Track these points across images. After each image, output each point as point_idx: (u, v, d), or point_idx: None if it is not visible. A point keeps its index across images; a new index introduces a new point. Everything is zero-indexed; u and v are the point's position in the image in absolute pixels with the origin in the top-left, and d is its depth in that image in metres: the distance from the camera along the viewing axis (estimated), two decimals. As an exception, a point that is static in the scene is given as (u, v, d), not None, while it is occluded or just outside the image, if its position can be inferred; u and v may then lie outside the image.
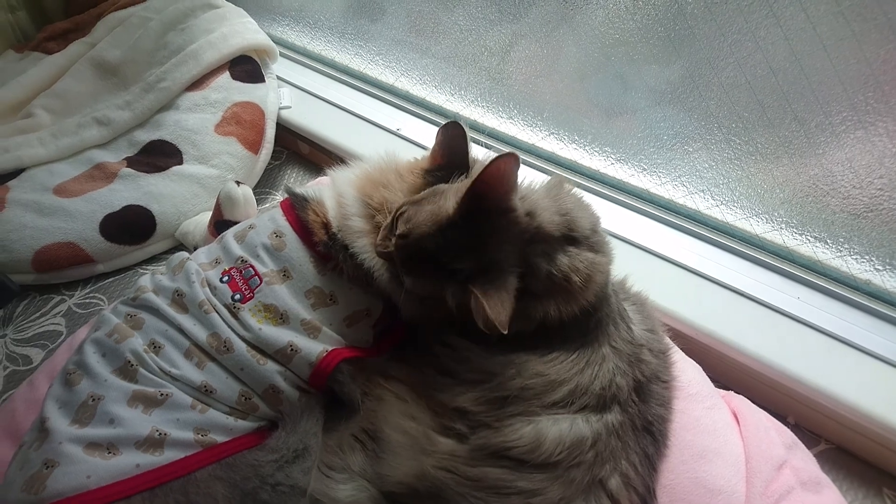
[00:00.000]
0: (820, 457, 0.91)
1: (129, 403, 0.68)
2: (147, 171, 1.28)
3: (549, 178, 0.81)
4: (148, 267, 1.23)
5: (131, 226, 1.21)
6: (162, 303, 0.76)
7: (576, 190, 0.79)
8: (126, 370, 0.70)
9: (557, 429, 0.68)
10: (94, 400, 0.67)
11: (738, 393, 0.92)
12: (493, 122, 1.36)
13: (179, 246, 1.26)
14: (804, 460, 0.80)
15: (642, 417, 0.73)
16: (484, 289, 0.66)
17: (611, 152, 1.20)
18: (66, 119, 1.40)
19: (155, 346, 0.73)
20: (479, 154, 0.83)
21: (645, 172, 1.16)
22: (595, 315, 0.75)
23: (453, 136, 0.80)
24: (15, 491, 0.62)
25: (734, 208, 1.08)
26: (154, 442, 0.66)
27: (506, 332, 0.64)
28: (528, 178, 0.78)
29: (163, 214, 1.23)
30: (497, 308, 0.65)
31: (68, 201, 1.22)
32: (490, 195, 0.69)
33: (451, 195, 0.73)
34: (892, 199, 0.92)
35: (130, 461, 0.64)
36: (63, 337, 1.10)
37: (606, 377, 0.72)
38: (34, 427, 0.69)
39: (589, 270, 0.72)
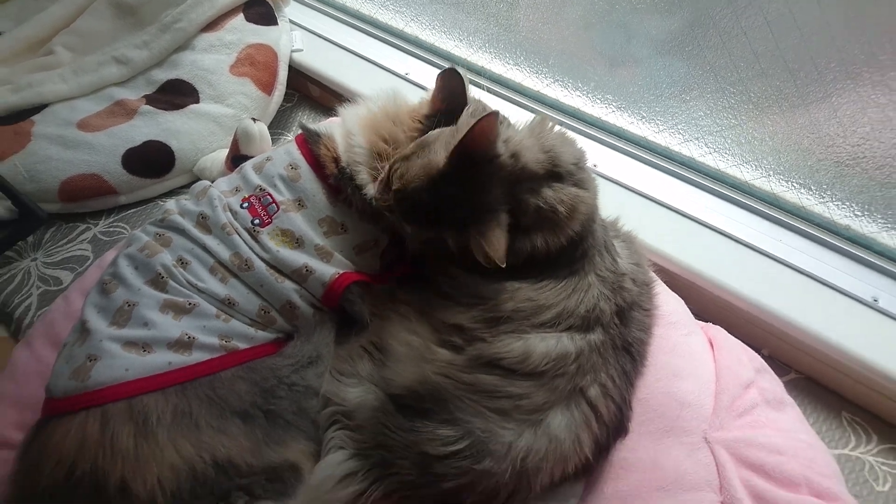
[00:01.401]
0: (789, 384, 0.99)
1: (161, 310, 0.75)
2: (165, 109, 1.33)
3: (532, 118, 0.86)
4: (168, 199, 1.30)
5: (152, 160, 1.28)
6: (188, 224, 0.83)
7: (559, 127, 0.85)
8: (157, 281, 0.77)
9: (545, 344, 0.76)
10: (129, 305, 0.75)
11: (718, 325, 0.99)
12: (500, 68, 1.40)
13: (197, 180, 1.32)
14: (771, 383, 0.88)
15: (622, 339, 0.81)
16: (480, 230, 0.74)
17: (612, 100, 1.24)
18: (86, 57, 1.44)
19: (182, 262, 0.80)
20: (478, 97, 0.88)
21: (644, 120, 1.21)
22: (581, 245, 0.82)
23: (452, 83, 0.85)
24: (63, 379, 0.70)
25: (726, 156, 1.14)
26: (184, 344, 0.74)
27: (503, 266, 0.72)
28: (513, 118, 0.85)
29: (181, 150, 1.29)
30: (494, 245, 0.73)
31: (91, 135, 1.28)
32: (478, 150, 0.76)
33: (439, 148, 0.79)
34: (873, 148, 0.97)
35: (163, 359, 0.72)
36: (90, 261, 1.18)
37: (591, 302, 0.80)
38: (75, 329, 0.77)
39: (573, 202, 0.79)
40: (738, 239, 1.07)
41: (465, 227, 0.76)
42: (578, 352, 0.77)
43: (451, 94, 0.85)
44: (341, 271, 0.85)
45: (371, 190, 0.85)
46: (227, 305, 0.79)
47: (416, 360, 0.78)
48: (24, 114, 1.34)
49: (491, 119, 0.73)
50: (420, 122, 0.88)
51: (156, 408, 0.68)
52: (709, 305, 1.04)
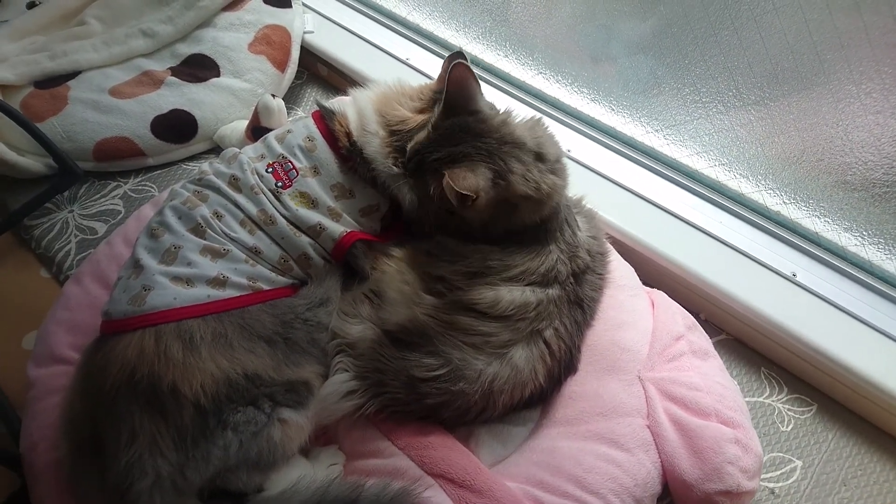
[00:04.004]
0: (719, 343, 1.17)
1: (201, 253, 0.90)
2: (189, 81, 1.47)
3: (531, 114, 1.02)
4: (190, 163, 1.45)
5: (177, 127, 1.42)
6: (222, 184, 0.98)
7: (550, 128, 1.01)
8: (197, 229, 0.92)
9: (511, 295, 0.93)
10: (175, 248, 0.91)
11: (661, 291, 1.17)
12: (491, 58, 1.55)
13: (216, 148, 1.48)
14: (699, 337, 1.06)
15: (576, 295, 0.98)
16: (451, 169, 0.89)
17: (587, 92, 1.40)
18: (116, 29, 1.57)
19: (217, 215, 0.95)
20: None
21: (613, 112, 1.38)
22: (548, 224, 0.98)
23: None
24: (122, 305, 0.86)
25: (681, 147, 1.31)
26: (219, 282, 0.90)
27: (466, 194, 0.86)
28: (501, 106, 1.00)
29: (203, 119, 1.44)
30: (457, 179, 0.87)
31: (123, 102, 1.42)
32: (458, 98, 0.91)
33: (436, 110, 0.95)
34: (806, 144, 1.14)
35: (203, 293, 0.88)
36: (122, 214, 1.34)
37: (550, 264, 0.96)
38: (128, 266, 0.92)
39: (550, 189, 0.95)
40: (684, 219, 1.24)
41: (439, 169, 0.90)
42: (538, 302, 0.94)
43: None
44: (348, 230, 1.00)
45: (378, 161, 1.01)
46: (253, 253, 0.94)
47: (407, 304, 0.95)
48: (59, 79, 1.47)
49: (460, 67, 0.89)
50: (429, 94, 1.03)
51: (199, 329, 0.84)
52: (655, 274, 1.22)
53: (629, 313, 1.05)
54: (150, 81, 1.48)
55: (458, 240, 1.00)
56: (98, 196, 1.38)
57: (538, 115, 1.02)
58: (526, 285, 0.95)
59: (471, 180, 0.88)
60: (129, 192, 1.38)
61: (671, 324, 1.04)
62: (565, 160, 1.02)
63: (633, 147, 1.37)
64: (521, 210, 0.96)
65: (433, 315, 0.93)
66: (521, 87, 1.51)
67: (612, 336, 1.01)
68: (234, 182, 0.98)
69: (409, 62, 1.59)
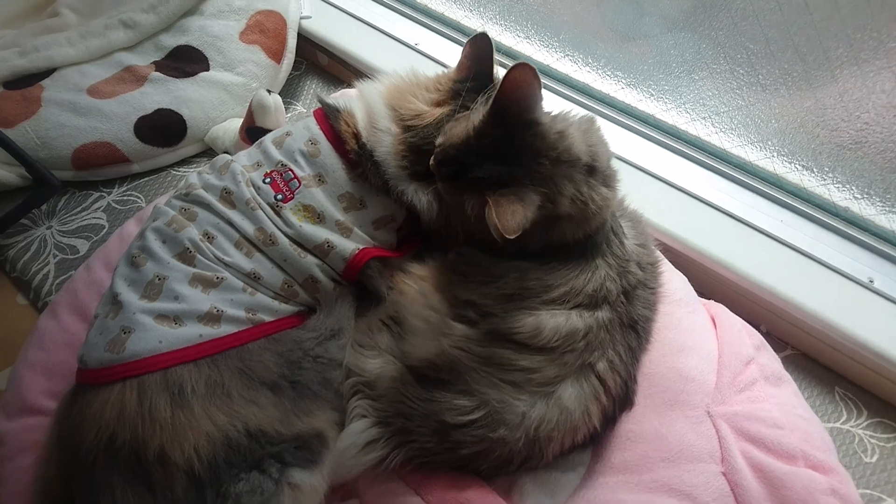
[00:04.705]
0: (786, 360, 1.03)
1: (190, 283, 0.78)
2: (175, 76, 1.33)
3: (583, 114, 0.87)
4: (180, 168, 1.31)
5: (163, 128, 1.28)
6: (212, 199, 0.85)
7: (602, 130, 0.87)
8: (185, 255, 0.79)
9: (555, 321, 0.80)
10: (159, 279, 0.77)
11: (719, 303, 1.03)
12: (510, 40, 1.40)
13: (208, 150, 1.34)
14: (769, 359, 0.93)
15: (628, 316, 0.85)
16: (497, 198, 0.74)
17: (622, 77, 1.25)
18: (93, 20, 1.42)
19: (208, 237, 0.82)
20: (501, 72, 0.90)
21: (653, 98, 1.23)
22: (593, 238, 0.85)
23: (480, 47, 0.87)
24: (98, 351, 0.73)
25: (731, 136, 1.16)
26: (213, 317, 0.77)
27: (511, 237, 0.72)
28: (566, 108, 0.86)
29: (193, 119, 1.30)
30: (506, 215, 0.73)
31: (103, 102, 1.28)
32: (513, 105, 0.76)
33: (480, 109, 0.81)
34: (875, 133, 1.00)
35: (194, 331, 0.75)
36: (105, 230, 1.20)
37: (598, 282, 0.83)
38: (106, 301, 0.79)
39: (601, 204, 0.81)
40: (740, 218, 1.10)
41: (485, 193, 0.76)
42: (587, 328, 0.80)
43: (479, 60, 0.87)
44: (361, 247, 0.87)
45: (392, 163, 0.87)
46: (252, 279, 0.82)
47: (433, 334, 0.82)
48: (31, 78, 1.33)
49: (524, 67, 0.73)
50: (448, 85, 0.89)
51: (190, 378, 0.71)
52: (711, 283, 1.08)
53: (689, 334, 0.91)
54: (133, 78, 1.34)
55: (487, 254, 0.86)
56: (79, 209, 1.24)
57: (590, 114, 0.87)
58: (571, 309, 0.81)
59: (520, 216, 0.74)
60: (113, 204, 1.24)
61: (738, 345, 0.91)
62: (614, 161, 0.88)
63: (677, 137, 1.23)
64: (564, 227, 0.82)
65: (465, 348, 0.80)
66: (545, 73, 1.36)
67: (672, 363, 0.87)
68: (227, 196, 0.86)
69: (419, 47, 1.45)
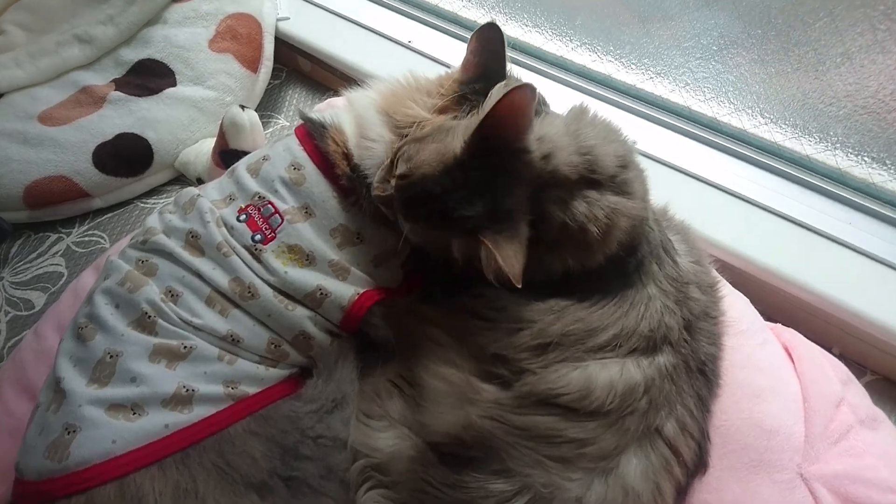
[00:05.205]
0: (868, 388, 0.88)
1: (151, 359, 0.63)
2: (138, 95, 1.19)
3: (571, 106, 0.73)
4: (148, 200, 1.16)
5: (127, 156, 1.15)
6: (175, 246, 0.70)
7: (601, 117, 0.72)
8: (143, 322, 0.64)
9: (607, 374, 0.65)
10: (111, 357, 0.62)
11: (784, 324, 0.88)
12: (517, 31, 1.26)
13: (180, 177, 1.19)
14: (859, 395, 0.78)
15: (695, 358, 0.70)
16: (495, 239, 0.62)
17: (649, 65, 1.11)
18: (43, 37, 1.29)
19: (172, 295, 0.67)
20: (517, 74, 0.74)
21: (687, 87, 1.08)
22: (634, 255, 0.70)
23: (489, 40, 0.72)
24: (37, 458, 0.58)
25: (784, 126, 1.01)
26: (182, 399, 0.62)
27: (520, 286, 0.60)
28: (549, 106, 0.73)
29: (160, 142, 1.16)
30: (510, 260, 0.61)
31: (57, 130, 1.14)
32: (502, 133, 0.63)
33: (459, 132, 0.66)
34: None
35: (158, 421, 0.60)
36: (64, 278, 1.04)
37: (654, 318, 0.68)
38: (48, 386, 0.64)
39: (609, 219, 0.66)
40: (802, 223, 0.95)
41: (475, 232, 0.64)
42: (648, 382, 0.65)
43: (488, 55, 0.72)
44: (361, 290, 0.73)
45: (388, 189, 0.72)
46: (230, 343, 0.67)
47: (458, 400, 0.67)
48: (-26, 106, 1.19)
49: (524, 92, 0.59)
50: (452, 88, 0.74)
51: (152, 488, 0.56)
52: (774, 301, 0.93)
53: (764, 373, 0.76)
54: (90, 100, 1.19)
55: (512, 292, 0.70)
56: (34, 255, 1.09)
57: (580, 105, 0.73)
58: (625, 356, 0.66)
59: (519, 261, 0.62)
60: (73, 247, 1.09)
61: (824, 382, 0.75)
62: (636, 157, 0.73)
63: (719, 131, 1.08)
64: (567, 256, 0.68)
65: (498, 416, 0.64)
66: (560, 65, 1.22)
67: (749, 412, 0.72)
68: (194, 241, 0.71)
69: (413, 45, 1.32)
